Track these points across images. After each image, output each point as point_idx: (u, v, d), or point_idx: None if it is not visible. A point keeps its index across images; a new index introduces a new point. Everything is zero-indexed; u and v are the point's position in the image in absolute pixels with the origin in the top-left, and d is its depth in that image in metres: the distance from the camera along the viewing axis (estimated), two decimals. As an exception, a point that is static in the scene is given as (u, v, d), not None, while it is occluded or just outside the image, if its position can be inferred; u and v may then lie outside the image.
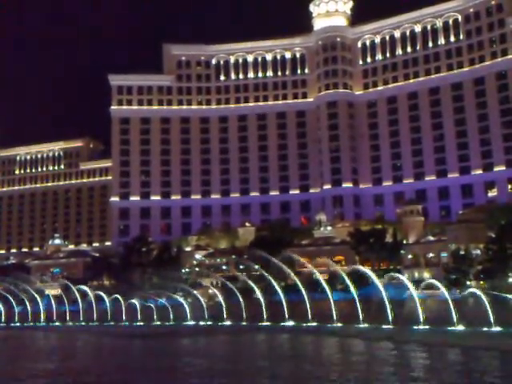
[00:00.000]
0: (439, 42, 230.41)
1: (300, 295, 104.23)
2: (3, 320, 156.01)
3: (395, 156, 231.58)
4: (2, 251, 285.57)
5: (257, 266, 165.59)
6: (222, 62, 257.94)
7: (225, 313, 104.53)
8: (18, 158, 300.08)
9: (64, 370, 44.39)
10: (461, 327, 67.83)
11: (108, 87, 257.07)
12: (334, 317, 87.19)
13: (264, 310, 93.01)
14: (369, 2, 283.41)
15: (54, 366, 47.65)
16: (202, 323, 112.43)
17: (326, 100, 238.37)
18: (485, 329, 64.16)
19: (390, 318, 67.89)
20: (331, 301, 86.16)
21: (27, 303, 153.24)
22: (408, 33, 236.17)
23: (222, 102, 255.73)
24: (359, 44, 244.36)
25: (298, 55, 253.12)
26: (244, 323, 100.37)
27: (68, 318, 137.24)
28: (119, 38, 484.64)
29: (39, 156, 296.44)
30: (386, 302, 72.40)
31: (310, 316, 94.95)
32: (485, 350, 49.85)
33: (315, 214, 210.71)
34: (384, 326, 76.12)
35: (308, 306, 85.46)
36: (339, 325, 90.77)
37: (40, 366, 47.28)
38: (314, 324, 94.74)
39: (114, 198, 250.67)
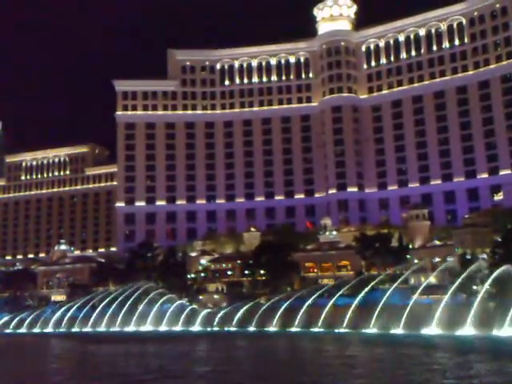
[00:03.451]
0: (444, 46, 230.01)
1: (305, 301, 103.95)
2: (11, 326, 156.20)
3: (400, 160, 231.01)
4: (9, 257, 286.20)
5: (262, 271, 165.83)
6: (226, 67, 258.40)
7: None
8: (23, 163, 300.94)
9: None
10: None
11: (113, 93, 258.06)
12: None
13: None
14: (373, 6, 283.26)
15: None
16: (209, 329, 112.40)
17: (331, 104, 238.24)
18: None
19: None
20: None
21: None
22: (412, 36, 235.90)
23: (226, 107, 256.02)
24: (363, 48, 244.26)
25: (302, 59, 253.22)
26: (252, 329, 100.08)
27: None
28: (123, 43, 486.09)
29: (45, 162, 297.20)
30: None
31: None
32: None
33: (320, 219, 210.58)
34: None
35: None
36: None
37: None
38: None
39: (120, 204, 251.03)
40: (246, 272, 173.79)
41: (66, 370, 45.45)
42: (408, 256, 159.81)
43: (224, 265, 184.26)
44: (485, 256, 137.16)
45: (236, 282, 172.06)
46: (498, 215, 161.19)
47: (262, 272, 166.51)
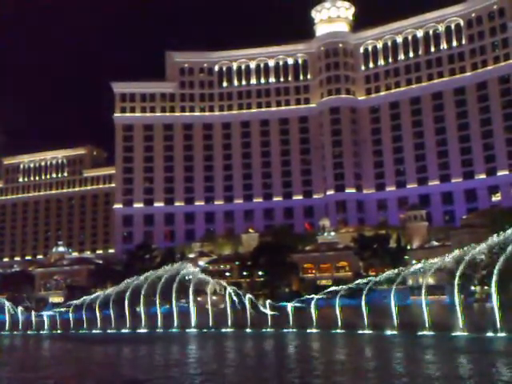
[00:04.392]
0: (441, 47, 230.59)
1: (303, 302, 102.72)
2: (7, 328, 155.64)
3: (398, 161, 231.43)
4: (6, 259, 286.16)
5: (260, 273, 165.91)
6: (224, 69, 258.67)
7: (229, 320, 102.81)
8: (21, 165, 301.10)
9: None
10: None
11: (111, 94, 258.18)
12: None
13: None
14: (371, 8, 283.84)
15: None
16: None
17: (329, 105, 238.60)
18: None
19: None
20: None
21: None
22: (410, 38, 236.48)
23: (224, 109, 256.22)
24: (361, 49, 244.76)
25: (300, 61, 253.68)
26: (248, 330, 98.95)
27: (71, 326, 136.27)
28: (122, 45, 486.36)
29: (43, 164, 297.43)
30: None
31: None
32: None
33: (319, 220, 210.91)
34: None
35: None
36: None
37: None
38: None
39: (118, 205, 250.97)
40: (245, 273, 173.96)
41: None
42: (406, 257, 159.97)
43: (222, 266, 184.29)
44: (483, 257, 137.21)
45: (234, 283, 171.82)
46: (495, 216, 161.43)
47: (260, 273, 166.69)
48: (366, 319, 65.54)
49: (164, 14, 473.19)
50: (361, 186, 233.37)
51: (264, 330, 72.64)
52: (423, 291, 65.26)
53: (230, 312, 78.37)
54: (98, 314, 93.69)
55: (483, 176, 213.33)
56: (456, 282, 60.97)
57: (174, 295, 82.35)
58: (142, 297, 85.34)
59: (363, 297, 68.45)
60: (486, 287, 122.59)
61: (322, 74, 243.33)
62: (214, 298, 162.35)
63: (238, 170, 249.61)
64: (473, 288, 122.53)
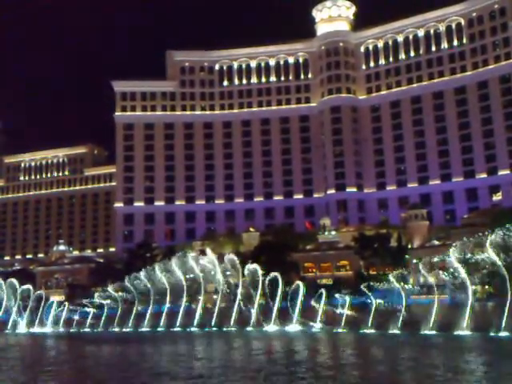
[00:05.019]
0: (442, 46, 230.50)
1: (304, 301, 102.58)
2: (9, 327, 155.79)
3: (399, 160, 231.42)
4: (7, 257, 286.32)
5: (261, 272, 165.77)
6: (225, 68, 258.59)
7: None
8: (22, 164, 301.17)
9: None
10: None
11: (112, 93, 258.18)
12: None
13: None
14: (372, 7, 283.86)
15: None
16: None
17: (330, 105, 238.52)
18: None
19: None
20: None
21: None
22: (411, 37, 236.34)
23: (225, 108, 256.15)
24: (362, 49, 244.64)
25: (301, 60, 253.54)
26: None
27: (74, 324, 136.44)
28: (122, 44, 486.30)
29: (44, 162, 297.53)
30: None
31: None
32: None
33: (319, 219, 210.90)
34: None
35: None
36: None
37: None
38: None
39: (118, 204, 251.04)
40: (246, 272, 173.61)
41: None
42: (407, 256, 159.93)
43: (223, 265, 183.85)
44: (483, 256, 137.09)
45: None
46: (496, 215, 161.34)
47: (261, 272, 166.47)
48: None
49: (164, 13, 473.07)
50: (361, 185, 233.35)
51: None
52: (435, 290, 65.22)
53: (235, 311, 78.21)
54: (105, 312, 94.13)
55: (484, 175, 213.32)
56: (468, 282, 61.07)
57: (185, 294, 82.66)
58: (151, 296, 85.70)
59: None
60: (486, 287, 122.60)
61: (323, 73, 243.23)
62: (215, 296, 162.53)
63: (238, 169, 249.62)
64: (473, 287, 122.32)
